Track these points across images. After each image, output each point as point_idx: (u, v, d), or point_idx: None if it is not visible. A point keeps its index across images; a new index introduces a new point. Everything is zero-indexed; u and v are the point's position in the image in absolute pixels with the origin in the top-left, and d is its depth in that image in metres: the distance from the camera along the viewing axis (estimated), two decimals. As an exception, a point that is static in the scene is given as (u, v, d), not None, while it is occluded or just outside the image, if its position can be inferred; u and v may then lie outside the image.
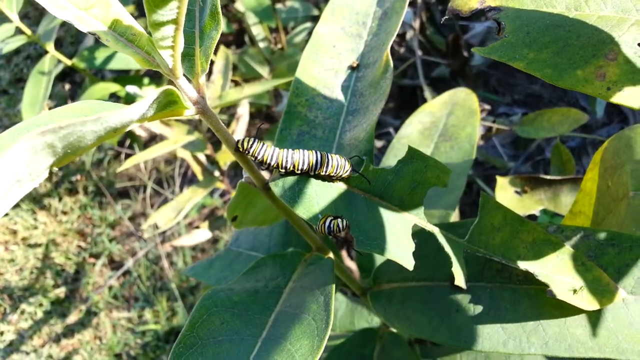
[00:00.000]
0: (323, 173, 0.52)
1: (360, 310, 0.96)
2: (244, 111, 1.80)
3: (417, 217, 0.52)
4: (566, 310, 0.56)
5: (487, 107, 2.05)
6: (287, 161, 0.52)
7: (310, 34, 2.55)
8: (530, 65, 0.47)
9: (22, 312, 2.55)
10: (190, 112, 0.41)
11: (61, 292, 2.56)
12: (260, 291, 0.53)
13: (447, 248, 0.48)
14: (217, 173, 1.85)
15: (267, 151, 0.52)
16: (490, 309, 0.58)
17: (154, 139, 2.73)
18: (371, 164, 0.53)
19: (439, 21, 2.30)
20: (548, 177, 1.03)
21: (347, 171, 0.53)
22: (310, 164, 0.52)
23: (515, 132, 2.30)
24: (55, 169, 0.30)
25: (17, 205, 2.88)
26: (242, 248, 0.76)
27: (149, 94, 1.81)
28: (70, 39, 3.32)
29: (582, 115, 1.45)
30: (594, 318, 0.55)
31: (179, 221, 2.47)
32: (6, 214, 2.85)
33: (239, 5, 2.51)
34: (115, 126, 0.29)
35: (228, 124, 2.60)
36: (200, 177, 1.87)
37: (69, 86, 3.03)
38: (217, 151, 1.77)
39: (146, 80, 2.56)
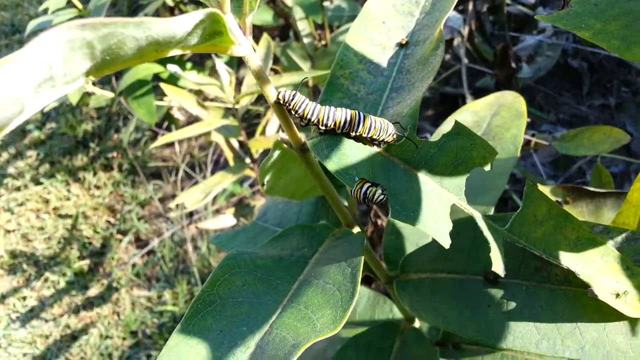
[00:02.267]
0: (365, 134, 0.50)
1: (382, 305, 0.93)
2: (282, 101, 1.79)
3: (457, 197, 0.49)
4: (606, 315, 0.52)
5: (527, 119, 1.99)
6: (328, 117, 0.50)
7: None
8: (596, 36, 0.44)
9: (46, 280, 2.60)
10: (236, 50, 0.40)
11: (85, 264, 2.60)
12: (285, 259, 0.52)
13: (487, 232, 0.46)
14: (248, 160, 1.84)
15: (309, 106, 0.50)
16: (525, 307, 0.55)
17: (190, 123, 2.76)
18: (414, 134, 0.51)
19: (489, 31, 2.25)
20: (591, 189, 0.99)
21: (389, 135, 0.50)
22: (353, 123, 0.49)
23: (555, 149, 2.24)
24: (91, 80, 0.28)
25: (52, 176, 2.94)
26: (269, 223, 0.74)
27: (191, 75, 1.81)
28: (120, 20, 3.39)
29: (624, 135, 1.39)
30: (637, 326, 0.51)
31: (206, 206, 2.48)
32: (40, 183, 2.92)
33: (287, 0, 2.52)
34: (157, 37, 0.27)
35: (263, 115, 2.60)
36: (231, 162, 1.87)
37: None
38: (250, 138, 1.76)
39: (189, 65, 2.58)
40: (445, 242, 0.44)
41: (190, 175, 2.69)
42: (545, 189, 1.04)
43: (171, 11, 2.91)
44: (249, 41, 0.41)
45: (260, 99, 2.71)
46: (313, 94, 2.46)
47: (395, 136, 0.50)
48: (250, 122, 2.61)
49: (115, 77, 3.06)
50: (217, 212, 2.54)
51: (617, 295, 0.50)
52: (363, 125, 0.49)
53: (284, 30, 2.88)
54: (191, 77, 1.64)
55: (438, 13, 0.60)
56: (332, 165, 0.44)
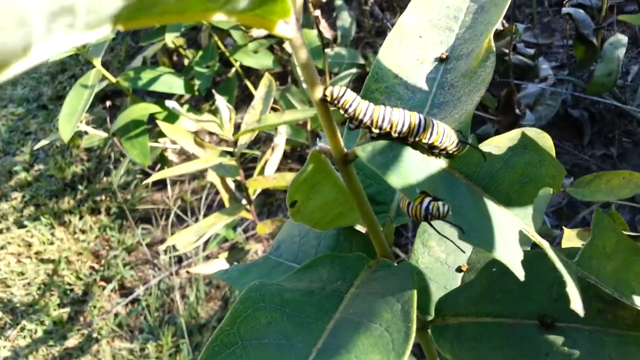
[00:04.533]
0: (425, 140, 0.43)
1: None
2: (280, 141, 1.74)
3: (524, 222, 0.42)
4: (692, 368, 0.44)
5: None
6: (383, 119, 0.42)
7: (354, 80, 2.54)
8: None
9: (22, 329, 2.44)
10: (284, 28, 0.33)
11: (65, 312, 2.45)
12: (317, 293, 0.43)
13: (559, 264, 0.38)
14: (244, 202, 1.76)
15: (361, 104, 0.43)
16: (590, 355, 0.47)
17: (183, 167, 2.68)
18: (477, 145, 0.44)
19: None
20: (622, 232, 0.92)
21: (453, 142, 0.43)
22: (412, 127, 0.42)
23: (559, 198, 2.19)
24: (119, 28, 0.22)
25: (36, 219, 2.83)
26: (283, 258, 0.66)
27: (189, 114, 1.75)
28: (117, 64, 3.37)
29: (646, 180, 1.34)
30: None
31: (197, 251, 2.38)
32: (24, 226, 2.80)
33: (288, 46, 2.52)
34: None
35: (260, 158, 2.55)
36: (227, 204, 1.79)
37: (109, 106, 3.05)
38: (248, 178, 1.69)
39: (185, 107, 2.54)
40: (520, 274, 0.37)
41: (181, 220, 2.59)
42: (572, 232, 0.98)
43: (169, 55, 2.90)
44: (298, 22, 0.34)
45: (258, 142, 2.66)
46: (311, 139, 2.42)
47: (457, 146, 0.43)
48: (245, 165, 2.55)
49: (109, 118, 3.01)
50: (208, 258, 2.43)
51: None
52: (424, 129, 0.42)
53: (282, 76, 2.87)
54: (190, 116, 1.58)
55: (482, 26, 0.55)
56: (393, 179, 0.37)
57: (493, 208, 0.41)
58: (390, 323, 0.38)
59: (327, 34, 2.43)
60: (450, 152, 0.44)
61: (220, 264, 1.67)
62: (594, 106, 2.26)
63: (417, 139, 0.42)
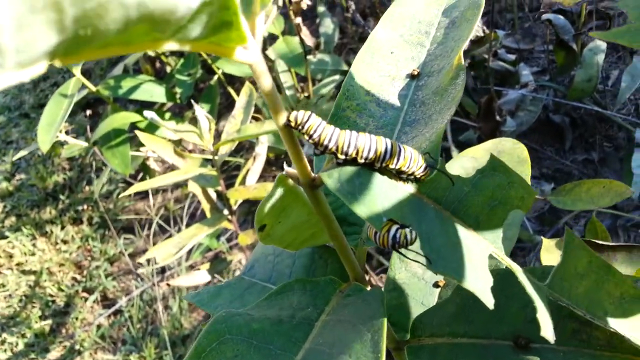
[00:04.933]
0: (392, 166, 0.42)
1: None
2: (262, 150, 1.73)
3: (494, 246, 0.42)
4: (666, 389, 0.44)
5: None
6: (349, 145, 0.41)
7: (338, 87, 2.53)
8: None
9: (3, 342, 2.39)
10: (243, 54, 0.32)
11: (47, 324, 2.41)
12: (286, 321, 0.42)
13: (530, 289, 0.38)
14: (226, 212, 1.74)
15: (326, 129, 0.42)
16: (566, 377, 0.47)
17: (166, 175, 2.65)
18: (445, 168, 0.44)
19: (471, 86, 2.26)
20: (600, 242, 0.92)
21: (420, 167, 0.43)
22: (378, 153, 0.41)
23: (540, 204, 2.20)
24: (57, 64, 0.20)
25: (17, 229, 2.78)
26: (257, 278, 0.65)
27: (169, 123, 1.73)
28: (99, 71, 3.34)
29: (625, 188, 1.34)
30: None
31: (179, 261, 2.35)
32: (5, 237, 2.75)
33: (270, 53, 2.51)
34: (152, 9, 0.19)
35: (243, 166, 2.53)
36: (208, 215, 1.77)
37: (90, 116, 3.01)
38: (229, 188, 1.67)
39: (168, 114, 2.52)
40: (489, 302, 0.36)
41: (164, 229, 2.56)
42: (550, 242, 0.98)
43: (152, 62, 2.87)
44: (258, 46, 0.33)
45: (240, 150, 2.65)
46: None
47: (425, 170, 0.43)
48: (229, 173, 2.53)
49: (91, 126, 2.97)
50: (192, 268, 2.41)
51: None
52: (391, 157, 0.41)
53: (265, 82, 2.85)
54: (169, 125, 1.56)
55: (453, 42, 0.55)
56: (360, 208, 0.36)
57: (462, 232, 0.41)
58: (359, 354, 0.37)
59: (309, 41, 2.42)
60: (418, 176, 0.43)
61: (202, 275, 1.65)
62: (575, 111, 2.28)
63: (384, 164, 0.41)
